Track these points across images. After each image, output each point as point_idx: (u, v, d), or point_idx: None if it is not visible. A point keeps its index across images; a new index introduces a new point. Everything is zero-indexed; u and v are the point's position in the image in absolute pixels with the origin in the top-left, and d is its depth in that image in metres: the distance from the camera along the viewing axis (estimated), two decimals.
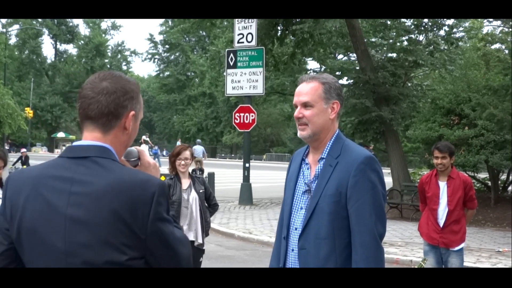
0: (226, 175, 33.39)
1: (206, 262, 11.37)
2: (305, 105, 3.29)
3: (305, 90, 3.31)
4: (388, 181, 22.10)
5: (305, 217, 3.26)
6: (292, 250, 3.33)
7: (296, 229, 3.32)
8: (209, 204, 7.07)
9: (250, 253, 12.95)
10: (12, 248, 2.24)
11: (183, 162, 6.73)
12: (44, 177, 2.20)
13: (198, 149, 29.21)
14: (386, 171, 25.46)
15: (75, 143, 2.26)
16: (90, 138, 2.25)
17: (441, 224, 6.96)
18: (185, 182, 6.80)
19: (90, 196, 2.10)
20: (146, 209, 2.10)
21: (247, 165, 21.12)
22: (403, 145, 27.06)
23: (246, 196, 21.08)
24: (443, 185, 7.00)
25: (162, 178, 15.49)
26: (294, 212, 3.37)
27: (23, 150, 32.17)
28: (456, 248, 6.94)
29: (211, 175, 20.01)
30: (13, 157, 33.80)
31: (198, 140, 37.06)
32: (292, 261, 3.33)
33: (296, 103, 3.34)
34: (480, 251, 12.60)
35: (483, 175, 22.53)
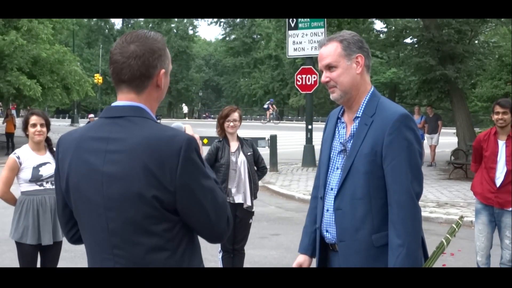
0: (291, 138, 33.32)
1: (265, 224, 11.52)
2: (329, 67, 3.25)
3: (325, 53, 3.26)
4: (454, 141, 21.73)
5: (340, 177, 3.23)
6: (327, 210, 3.31)
7: (331, 189, 3.30)
8: (257, 167, 7.06)
9: None
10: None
11: (231, 124, 6.73)
12: (84, 138, 2.39)
13: None
14: (452, 131, 25.01)
15: (112, 104, 2.41)
16: (125, 99, 2.39)
17: (498, 184, 6.76)
18: (234, 145, 6.81)
19: (123, 153, 2.27)
20: (174, 164, 2.22)
21: (309, 127, 20.99)
22: (473, 104, 26.38)
23: (309, 158, 20.97)
24: (502, 144, 6.78)
25: (205, 141, 15.24)
26: (330, 172, 3.35)
27: (91, 115, 33.08)
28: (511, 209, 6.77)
29: (273, 138, 19.92)
30: (82, 122, 34.65)
31: None
32: (328, 222, 3.31)
33: (320, 68, 3.31)
34: None
35: None
